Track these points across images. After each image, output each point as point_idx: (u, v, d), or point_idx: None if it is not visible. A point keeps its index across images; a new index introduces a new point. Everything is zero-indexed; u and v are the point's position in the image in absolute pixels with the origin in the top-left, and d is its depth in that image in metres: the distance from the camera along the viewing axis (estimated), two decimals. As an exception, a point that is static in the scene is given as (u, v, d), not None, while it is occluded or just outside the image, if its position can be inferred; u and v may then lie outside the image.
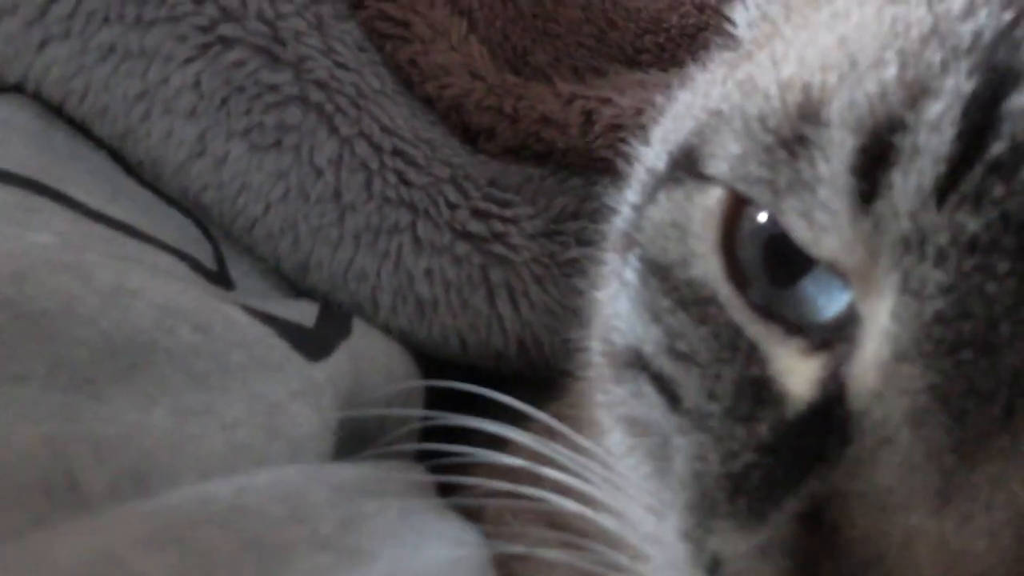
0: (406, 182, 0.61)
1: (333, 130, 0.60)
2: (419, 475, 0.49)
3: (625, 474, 0.40)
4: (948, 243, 0.29)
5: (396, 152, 0.61)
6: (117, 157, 0.59)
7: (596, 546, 0.39)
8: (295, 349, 0.48)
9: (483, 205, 0.63)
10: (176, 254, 0.53)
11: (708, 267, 0.36)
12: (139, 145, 0.58)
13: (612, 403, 0.42)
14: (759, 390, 0.33)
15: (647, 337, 0.38)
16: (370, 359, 0.56)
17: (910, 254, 0.29)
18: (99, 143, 0.59)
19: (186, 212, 0.60)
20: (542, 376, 0.63)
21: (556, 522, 0.44)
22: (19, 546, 0.28)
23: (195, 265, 0.54)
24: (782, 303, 0.33)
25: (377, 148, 0.61)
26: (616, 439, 0.42)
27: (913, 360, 0.29)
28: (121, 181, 0.57)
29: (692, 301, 0.36)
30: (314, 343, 0.51)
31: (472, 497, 0.49)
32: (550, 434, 0.44)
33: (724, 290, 0.35)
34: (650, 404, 0.38)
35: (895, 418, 0.29)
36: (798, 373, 0.33)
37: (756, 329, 0.34)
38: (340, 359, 0.51)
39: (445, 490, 0.50)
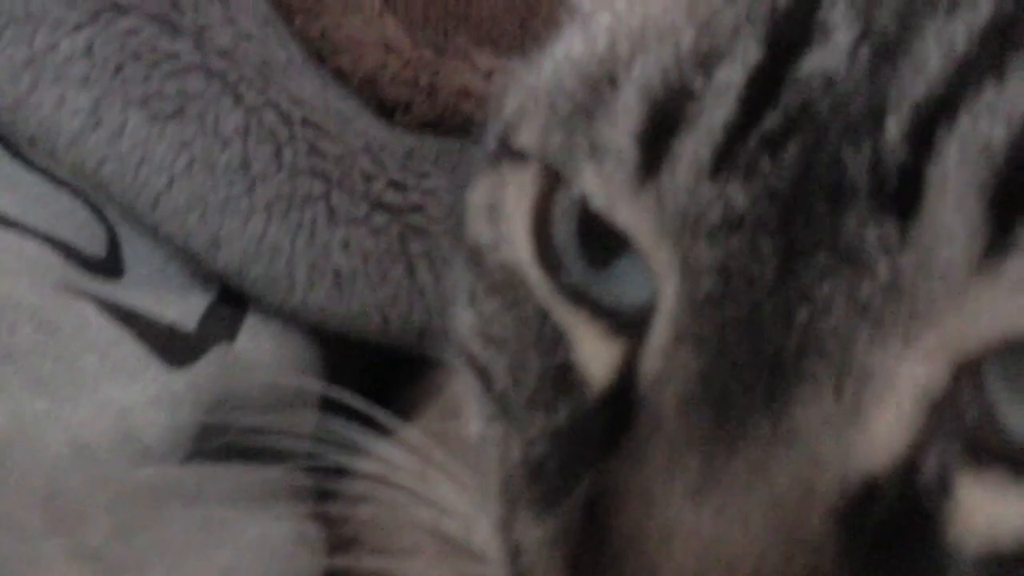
0: (318, 152, 0.59)
1: (238, 99, 0.58)
2: (276, 471, 0.46)
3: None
4: (719, 220, 0.28)
5: (306, 122, 0.59)
6: (2, 140, 0.56)
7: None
8: (155, 354, 0.46)
9: (400, 176, 0.61)
10: (48, 242, 0.50)
11: (518, 250, 0.35)
12: (30, 117, 0.55)
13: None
14: (562, 376, 0.33)
15: (465, 321, 0.38)
16: (250, 367, 0.53)
17: (687, 231, 0.29)
18: None
19: (78, 194, 0.57)
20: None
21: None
22: None
23: (70, 253, 0.51)
24: (596, 286, 0.33)
25: (286, 118, 0.59)
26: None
27: (687, 344, 0.28)
28: (1, 164, 0.55)
29: (503, 285, 0.36)
30: (181, 347, 0.48)
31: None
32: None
33: (533, 273, 0.35)
34: (470, 390, 0.38)
35: (667, 405, 0.28)
36: (600, 358, 0.32)
37: (564, 313, 0.34)
38: (207, 366, 0.48)
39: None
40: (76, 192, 0.57)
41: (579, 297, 0.33)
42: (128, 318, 0.46)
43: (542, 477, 0.32)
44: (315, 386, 0.54)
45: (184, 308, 0.51)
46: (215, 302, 0.56)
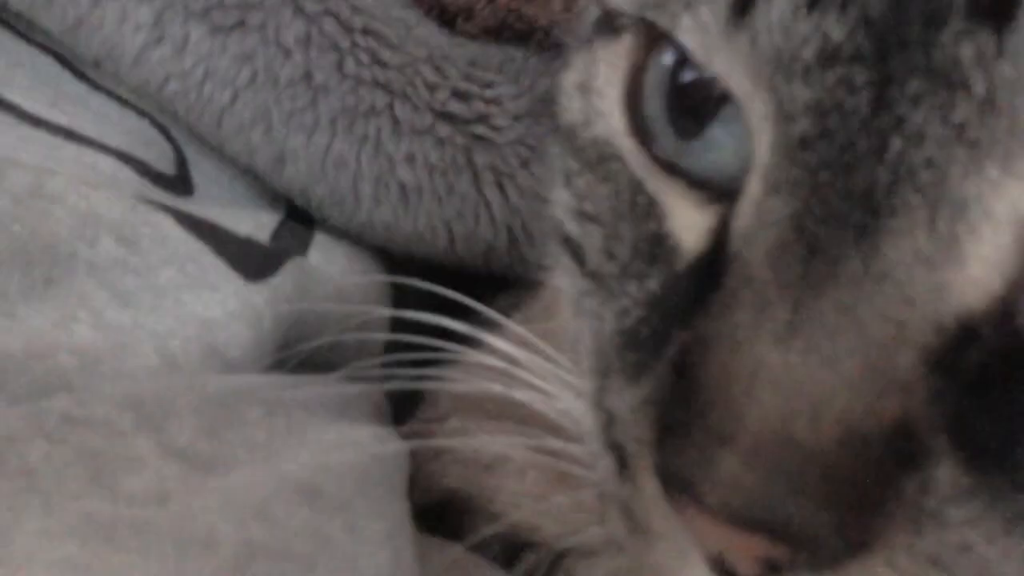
0: (380, 62, 0.58)
1: (299, 8, 0.56)
2: (355, 387, 0.46)
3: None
4: (815, 55, 0.28)
5: (367, 31, 0.58)
6: (65, 62, 0.56)
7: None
8: (234, 267, 0.46)
9: (463, 85, 0.60)
10: (121, 157, 0.50)
11: (612, 123, 0.35)
12: (93, 36, 0.55)
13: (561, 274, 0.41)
14: (654, 246, 0.33)
15: (560, 202, 0.38)
16: (323, 280, 0.53)
17: (781, 72, 0.28)
18: (46, 48, 0.56)
19: (144, 114, 0.57)
20: (528, 278, 0.60)
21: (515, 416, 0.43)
22: None
23: (143, 169, 0.51)
24: (687, 156, 0.33)
25: (347, 27, 0.57)
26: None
27: (780, 192, 0.28)
28: (67, 85, 0.54)
29: (597, 161, 0.36)
30: (258, 259, 0.48)
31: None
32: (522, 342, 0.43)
33: (627, 144, 0.35)
34: (566, 272, 0.38)
35: (757, 255, 0.28)
36: (692, 227, 0.32)
37: (657, 184, 0.34)
38: (284, 280, 0.48)
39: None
40: (142, 113, 0.56)
41: (672, 168, 0.33)
42: (205, 231, 0.46)
43: (635, 345, 0.32)
44: (386, 302, 0.54)
45: (256, 223, 0.51)
46: (284, 219, 0.56)
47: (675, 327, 0.30)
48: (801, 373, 0.26)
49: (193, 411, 0.33)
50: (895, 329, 0.26)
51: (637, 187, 0.34)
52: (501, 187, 0.61)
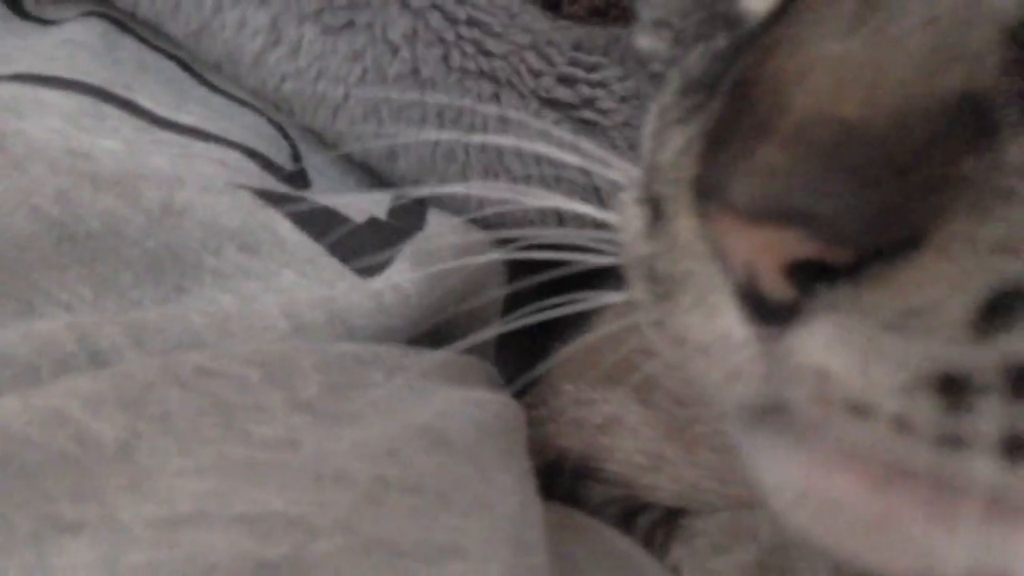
0: (485, 52, 0.59)
1: (405, 4, 0.58)
2: (471, 358, 0.45)
3: None
4: None
5: (472, 22, 0.59)
6: (186, 67, 0.59)
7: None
8: (344, 264, 0.46)
9: (568, 70, 0.60)
10: (245, 152, 0.52)
11: None
12: (215, 41, 0.57)
13: None
14: (722, 22, 0.32)
15: (644, 21, 0.39)
16: (444, 247, 0.53)
17: None
18: (168, 54, 0.59)
19: (261, 114, 0.59)
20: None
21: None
22: None
23: (266, 164, 0.53)
24: None
25: (452, 19, 0.58)
26: None
27: None
28: (190, 89, 0.57)
29: None
30: (376, 244, 0.48)
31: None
32: None
33: None
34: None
35: None
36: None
37: None
38: (400, 265, 0.48)
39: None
40: (259, 112, 0.59)
41: None
42: (321, 223, 0.47)
43: (693, 89, 0.30)
44: (502, 278, 0.54)
45: (373, 201, 0.52)
46: (397, 197, 0.57)
47: (738, 58, 0.28)
48: (861, 56, 0.23)
49: (317, 370, 0.34)
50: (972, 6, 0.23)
51: None
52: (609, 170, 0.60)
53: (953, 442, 0.21)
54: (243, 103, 0.58)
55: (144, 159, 0.45)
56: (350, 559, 0.24)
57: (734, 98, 0.25)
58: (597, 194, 0.61)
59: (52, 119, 0.46)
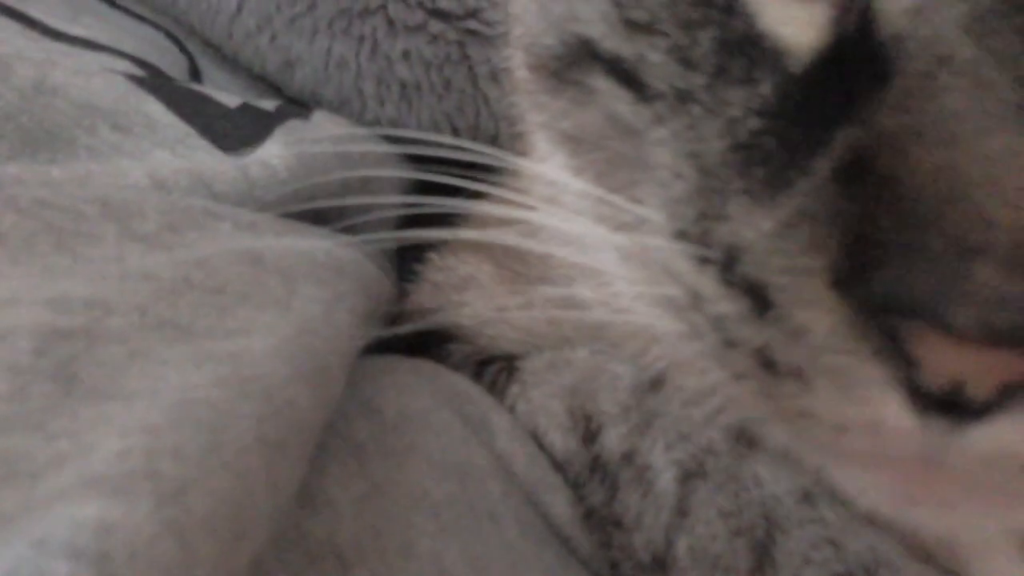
0: (372, -35, 0.62)
1: (292, -85, 0.61)
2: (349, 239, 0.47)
3: (573, 202, 0.37)
4: None
5: (359, -65, 0.62)
6: None
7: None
8: (215, 145, 0.48)
9: (454, -17, 0.63)
10: (136, 62, 0.54)
11: None
12: None
13: (550, 121, 0.37)
14: (749, 49, 0.29)
15: (590, 17, 0.32)
16: (322, 145, 0.54)
17: None
18: None
19: (160, 28, 0.62)
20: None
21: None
22: None
23: (154, 72, 0.56)
24: None
25: (338, -69, 0.61)
26: (560, 161, 0.38)
27: None
28: (88, 4, 0.59)
29: None
30: (248, 129, 0.50)
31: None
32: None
33: None
34: (610, 101, 0.32)
35: (948, 32, 0.24)
36: (795, 22, 0.28)
37: None
38: (270, 146, 0.49)
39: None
40: (157, 27, 0.62)
41: None
42: (196, 108, 0.49)
43: (759, 159, 0.28)
44: (394, 171, 0.56)
45: (259, 102, 0.55)
46: (288, 99, 0.59)
47: (820, 133, 0.26)
48: None
49: (160, 212, 0.36)
50: None
51: None
52: (496, 80, 0.63)
53: None
54: (142, 19, 0.61)
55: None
56: (141, 332, 0.28)
57: (880, 196, 0.24)
58: (487, 103, 0.64)
59: None
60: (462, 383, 0.41)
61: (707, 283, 0.28)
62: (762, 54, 0.29)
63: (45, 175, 0.38)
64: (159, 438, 0.23)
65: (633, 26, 0.31)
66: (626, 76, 0.31)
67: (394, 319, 0.46)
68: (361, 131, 0.59)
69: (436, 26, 0.62)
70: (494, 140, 0.64)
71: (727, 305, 0.28)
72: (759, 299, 0.27)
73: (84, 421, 0.24)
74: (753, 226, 0.27)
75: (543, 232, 0.40)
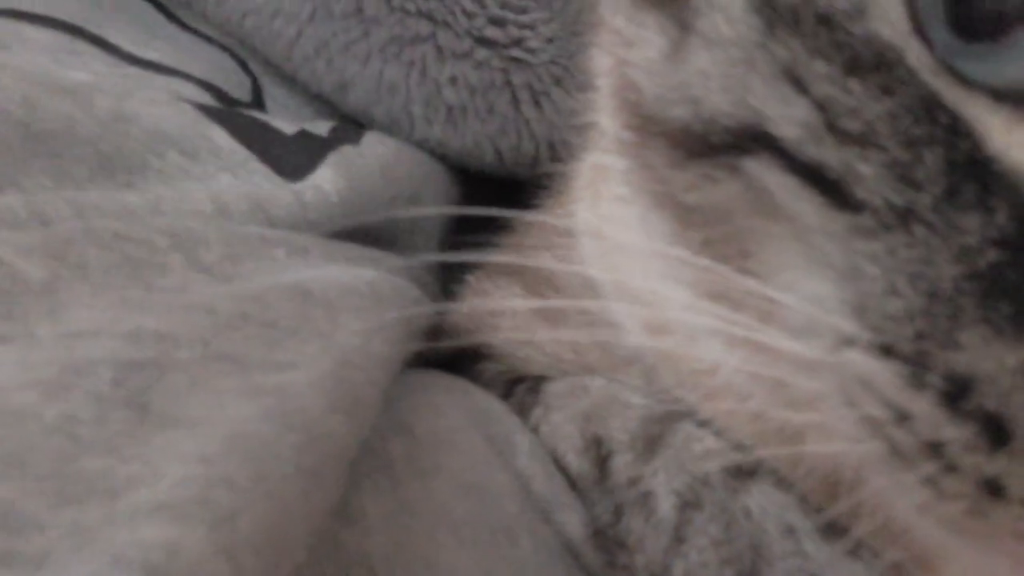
0: (423, -6, 0.65)
1: (349, -51, 0.65)
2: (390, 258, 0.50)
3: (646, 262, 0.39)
4: None
5: (411, -33, 0.65)
6: (160, 6, 0.66)
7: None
8: (273, 170, 0.52)
9: (499, 12, 0.66)
10: (202, 85, 0.58)
11: (888, 15, 0.28)
12: None
13: (661, 187, 0.35)
14: (980, 172, 0.27)
15: (783, 114, 0.30)
16: (371, 159, 0.58)
17: None
18: None
19: (226, 49, 0.66)
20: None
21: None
22: None
23: (220, 95, 0.60)
24: (972, 59, 0.27)
25: (392, -37, 0.65)
26: (655, 226, 0.36)
27: None
28: (161, 27, 0.64)
29: (871, 65, 0.28)
30: (299, 158, 0.53)
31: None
32: None
33: (913, 47, 0.28)
34: (784, 196, 0.30)
35: None
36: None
37: (956, 100, 0.27)
38: (323, 171, 0.53)
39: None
40: (224, 48, 0.66)
41: (960, 76, 0.27)
42: (256, 135, 0.54)
43: (1006, 292, 0.27)
44: (440, 186, 0.59)
45: (313, 124, 0.59)
46: (341, 119, 0.63)
47: None
48: None
49: (222, 243, 0.41)
50: None
51: (933, 101, 0.28)
52: (538, 104, 0.67)
53: None
54: (210, 40, 0.66)
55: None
56: (202, 364, 0.32)
57: None
58: (528, 125, 0.68)
59: (34, 53, 0.54)
60: (490, 403, 0.45)
61: (924, 406, 0.28)
62: (995, 179, 0.27)
63: (121, 202, 0.43)
64: (213, 467, 0.27)
65: (843, 135, 0.29)
66: (823, 181, 0.30)
67: (435, 331, 0.50)
68: (408, 150, 0.62)
69: (482, 53, 0.66)
70: (534, 162, 0.68)
71: (952, 432, 0.28)
72: (995, 430, 0.27)
73: (154, 448, 0.28)
74: (994, 359, 0.27)
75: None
